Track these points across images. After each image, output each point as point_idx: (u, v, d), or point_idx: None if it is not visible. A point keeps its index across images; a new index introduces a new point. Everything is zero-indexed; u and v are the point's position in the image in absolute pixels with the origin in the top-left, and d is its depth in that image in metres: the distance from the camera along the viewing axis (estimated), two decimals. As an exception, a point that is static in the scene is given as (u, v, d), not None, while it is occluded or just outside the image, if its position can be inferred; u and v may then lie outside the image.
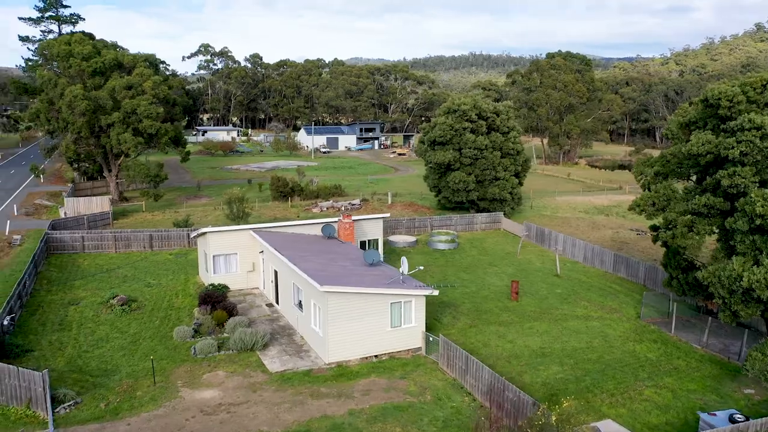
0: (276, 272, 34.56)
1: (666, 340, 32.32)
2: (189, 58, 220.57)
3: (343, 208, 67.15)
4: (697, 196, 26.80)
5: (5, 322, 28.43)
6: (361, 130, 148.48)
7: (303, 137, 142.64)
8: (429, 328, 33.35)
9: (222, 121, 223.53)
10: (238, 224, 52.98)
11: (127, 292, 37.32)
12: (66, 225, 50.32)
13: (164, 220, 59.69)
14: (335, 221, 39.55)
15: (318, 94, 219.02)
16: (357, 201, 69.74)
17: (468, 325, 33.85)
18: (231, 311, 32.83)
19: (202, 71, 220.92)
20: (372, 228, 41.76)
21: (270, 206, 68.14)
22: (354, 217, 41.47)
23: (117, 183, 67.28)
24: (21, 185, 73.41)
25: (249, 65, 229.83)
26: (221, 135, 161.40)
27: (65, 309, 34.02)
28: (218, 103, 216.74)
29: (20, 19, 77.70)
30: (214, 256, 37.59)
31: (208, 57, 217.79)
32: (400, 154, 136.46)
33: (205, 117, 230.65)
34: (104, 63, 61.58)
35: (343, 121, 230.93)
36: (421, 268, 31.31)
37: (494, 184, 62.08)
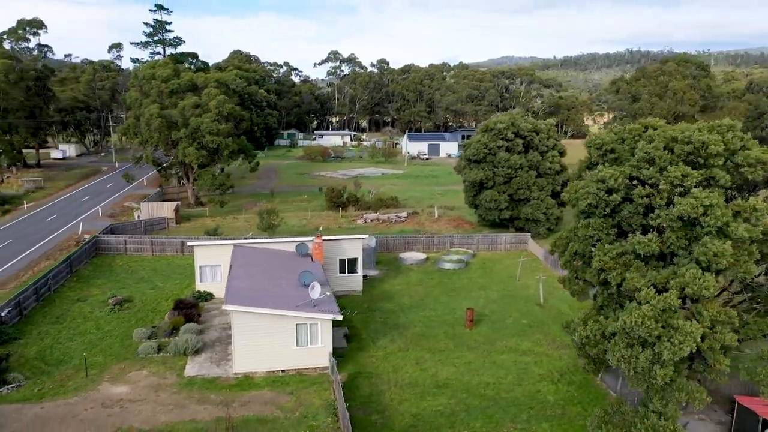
0: (237, 286, 38.68)
1: (587, 383, 31.59)
2: (320, 64, 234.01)
3: (389, 220, 70.01)
4: (570, 243, 26.49)
5: (3, 314, 35.43)
6: (462, 137, 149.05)
7: (406, 144, 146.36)
8: (362, 347, 35.74)
9: (347, 125, 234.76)
10: (269, 235, 58.32)
11: (131, 292, 43.67)
12: (124, 229, 58.70)
13: (222, 225, 66.58)
14: (311, 240, 42.78)
15: (439, 98, 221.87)
16: (404, 213, 72.11)
17: (398, 349, 35.49)
18: (191, 317, 37.50)
19: (330, 77, 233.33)
20: (351, 247, 44.39)
21: (322, 215, 72.72)
22: (333, 237, 44.57)
23: (193, 189, 75.89)
24: (125, 188, 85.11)
25: (375, 70, 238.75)
26: (334, 139, 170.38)
27: (72, 305, 40.91)
28: (344, 107, 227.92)
29: (132, 43, 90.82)
30: (200, 267, 42.70)
31: (337, 63, 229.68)
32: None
33: (334, 120, 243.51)
34: (180, 84, 69.91)
35: (465, 124, 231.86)
36: (328, 293, 33.42)
37: (528, 204, 61.35)
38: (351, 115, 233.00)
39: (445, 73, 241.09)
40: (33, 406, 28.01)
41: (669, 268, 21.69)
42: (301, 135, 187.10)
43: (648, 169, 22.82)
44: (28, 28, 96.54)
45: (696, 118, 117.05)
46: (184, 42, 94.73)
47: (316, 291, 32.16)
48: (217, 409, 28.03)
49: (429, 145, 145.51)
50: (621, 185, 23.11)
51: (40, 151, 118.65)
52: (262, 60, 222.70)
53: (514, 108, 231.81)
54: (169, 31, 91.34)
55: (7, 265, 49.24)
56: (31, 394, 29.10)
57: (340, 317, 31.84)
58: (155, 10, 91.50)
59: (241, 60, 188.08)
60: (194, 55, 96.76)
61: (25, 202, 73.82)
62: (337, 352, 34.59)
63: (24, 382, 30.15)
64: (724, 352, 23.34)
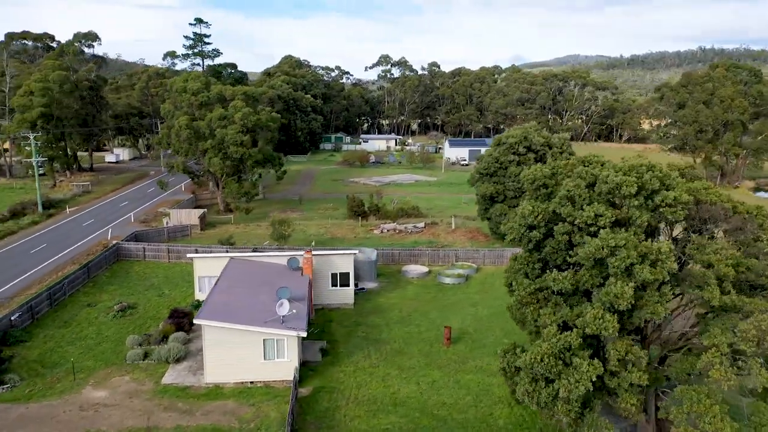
0: (226, 297, 40.94)
1: (543, 408, 31.96)
2: (371, 68, 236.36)
3: (406, 230, 71.21)
4: (507, 274, 27.09)
5: (13, 318, 38.97)
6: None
7: (447, 149, 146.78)
8: (336, 362, 37.26)
9: (398, 128, 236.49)
10: (280, 244, 60.71)
11: (138, 299, 46.77)
12: (148, 235, 62.35)
13: (244, 232, 69.51)
14: (301, 254, 44.62)
15: (488, 102, 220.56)
16: (421, 224, 73.07)
17: (369, 365, 36.79)
18: (182, 326, 40.02)
19: (381, 81, 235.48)
20: (343, 262, 45.93)
21: (343, 224, 74.55)
22: (325, 252, 46.31)
23: (222, 196, 79.33)
24: (163, 194, 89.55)
25: (426, 73, 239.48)
26: (379, 143, 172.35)
27: (81, 310, 44.27)
28: (394, 110, 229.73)
29: (175, 56, 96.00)
30: (199, 277, 45.30)
31: (387, 67, 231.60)
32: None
33: (385, 123, 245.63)
34: (209, 97, 73.34)
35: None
36: (295, 311, 34.88)
37: (538, 218, 61.16)
38: (401, 118, 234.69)
39: (496, 76, 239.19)
40: (20, 407, 31.01)
41: (580, 307, 22.17)
42: (348, 138, 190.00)
43: (568, 207, 23.30)
44: (83, 41, 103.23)
45: (747, 126, 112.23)
46: (222, 53, 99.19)
47: (284, 308, 33.90)
48: (179, 417, 30.22)
49: (470, 150, 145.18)
50: (541, 222, 23.67)
51: (97, 154, 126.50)
52: (315, 64, 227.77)
53: (566, 111, 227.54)
54: (208, 43, 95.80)
55: (36, 269, 53.49)
56: (22, 395, 32.16)
57: (304, 334, 33.50)
58: (195, 24, 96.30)
59: (291, 65, 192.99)
60: (233, 66, 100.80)
61: (68, 206, 79.28)
62: (310, 366, 36.43)
63: (19, 383, 33.29)
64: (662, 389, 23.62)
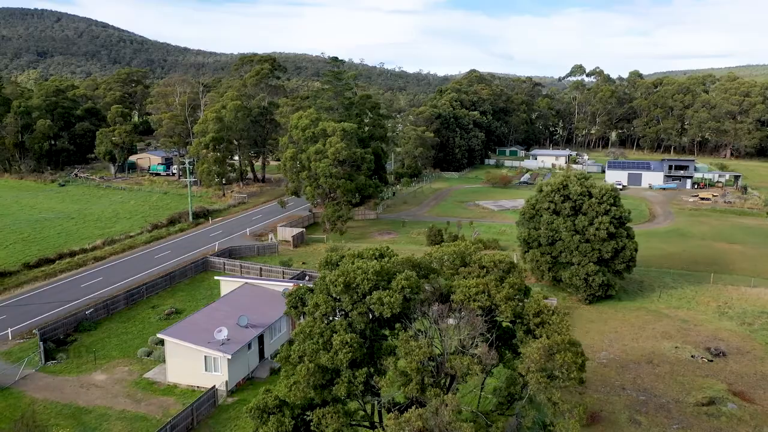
0: (224, 316, 51.89)
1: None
2: (564, 78, 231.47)
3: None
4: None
5: (87, 312, 54.73)
6: (670, 167, 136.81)
7: (607, 172, 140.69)
8: (276, 380, 45.73)
9: (588, 140, 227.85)
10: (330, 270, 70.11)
11: (188, 306, 60.13)
12: (240, 251, 76.55)
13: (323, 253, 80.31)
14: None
15: (691, 115, 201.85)
16: (486, 258, 76.23)
17: (297, 388, 44.55)
18: (190, 334, 51.99)
19: (575, 92, 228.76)
20: (331, 296, 53.72)
21: (415, 252, 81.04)
22: (317, 286, 54.62)
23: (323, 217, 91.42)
24: (291, 210, 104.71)
25: (625, 83, 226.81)
26: (545, 160, 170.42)
27: (144, 311, 58.95)
28: (583, 122, 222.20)
29: (304, 98, 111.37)
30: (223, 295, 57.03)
31: (580, 78, 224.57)
32: (702, 199, 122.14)
33: (581, 134, 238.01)
34: (314, 133, 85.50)
35: (727, 143, 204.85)
36: (228, 339, 43.45)
37: (567, 268, 61.39)
38: (591, 130, 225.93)
39: (706, 85, 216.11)
40: (50, 377, 45.50)
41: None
42: (523, 153, 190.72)
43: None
44: (257, 76, 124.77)
45: None
46: (353, 88, 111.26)
47: (222, 334, 43.58)
48: (130, 403, 41.77)
49: (630, 174, 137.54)
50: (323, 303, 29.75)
51: (276, 163, 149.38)
52: (504, 74, 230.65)
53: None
54: (340, 80, 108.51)
55: (144, 272, 70.54)
56: (59, 369, 46.79)
57: (229, 356, 42.74)
58: (330, 62, 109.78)
59: (470, 81, 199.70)
60: (368, 96, 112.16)
61: (211, 217, 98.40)
62: (254, 381, 45.68)
63: (64, 360, 48.13)
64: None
